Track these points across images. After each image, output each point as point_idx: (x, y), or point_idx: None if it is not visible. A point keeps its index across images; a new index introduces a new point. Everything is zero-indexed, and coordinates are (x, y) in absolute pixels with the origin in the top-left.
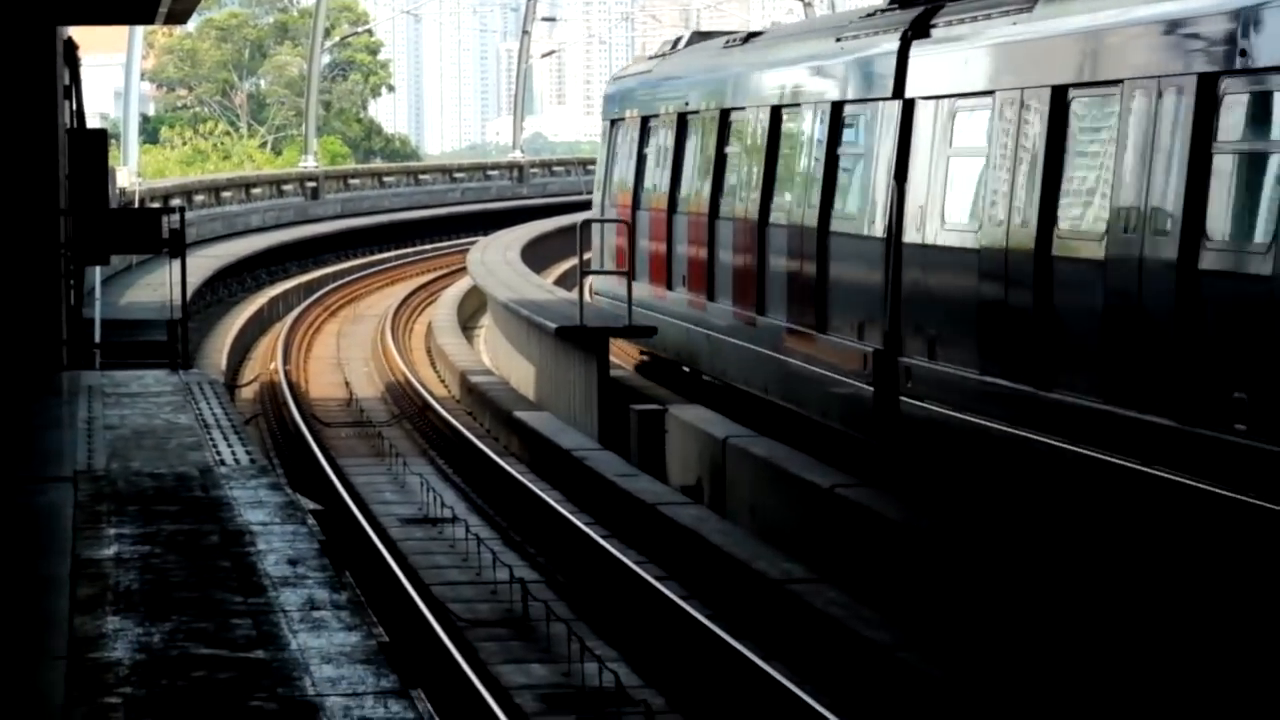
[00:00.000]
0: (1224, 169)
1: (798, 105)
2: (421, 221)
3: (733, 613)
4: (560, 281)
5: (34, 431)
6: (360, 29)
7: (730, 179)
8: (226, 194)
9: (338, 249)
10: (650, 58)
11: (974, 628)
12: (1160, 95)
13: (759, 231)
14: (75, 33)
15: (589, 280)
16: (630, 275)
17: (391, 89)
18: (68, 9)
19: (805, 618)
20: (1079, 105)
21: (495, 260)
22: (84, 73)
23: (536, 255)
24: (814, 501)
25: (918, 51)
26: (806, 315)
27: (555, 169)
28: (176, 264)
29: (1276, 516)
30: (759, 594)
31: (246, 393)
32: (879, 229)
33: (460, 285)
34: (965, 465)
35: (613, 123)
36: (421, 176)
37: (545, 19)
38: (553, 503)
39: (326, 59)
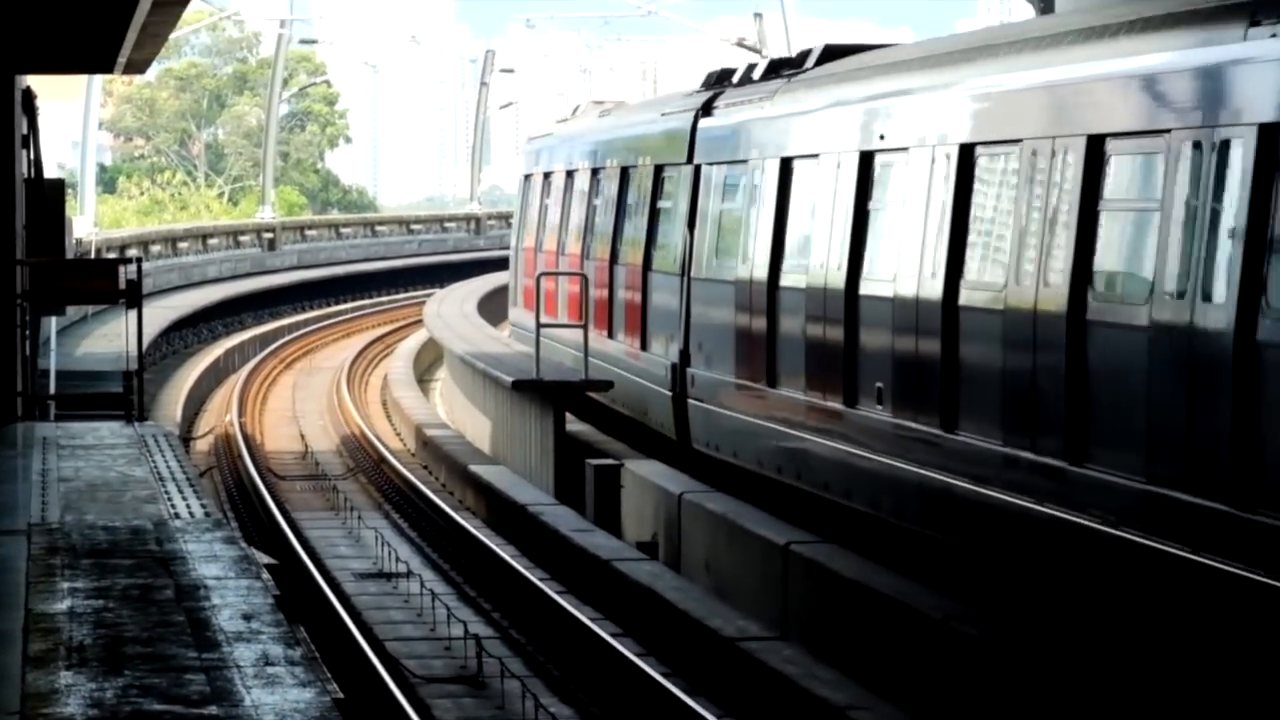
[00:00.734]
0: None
1: (636, 166)
2: (378, 273)
3: (688, 670)
4: None
5: None
6: (318, 79)
7: (598, 227)
8: (183, 244)
9: (294, 300)
10: (557, 122)
11: (930, 687)
12: (839, 165)
13: (610, 271)
14: (33, 81)
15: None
16: (586, 328)
17: (349, 140)
18: (26, 58)
19: (761, 675)
20: (802, 171)
21: (452, 313)
22: (42, 121)
23: (494, 308)
24: (769, 558)
25: (702, 126)
26: (634, 339)
27: (512, 221)
28: (133, 315)
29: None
30: (715, 651)
31: (202, 445)
32: (676, 268)
33: (417, 338)
34: (726, 439)
35: (526, 177)
36: (379, 228)
37: (503, 70)
38: (508, 558)
39: (285, 109)
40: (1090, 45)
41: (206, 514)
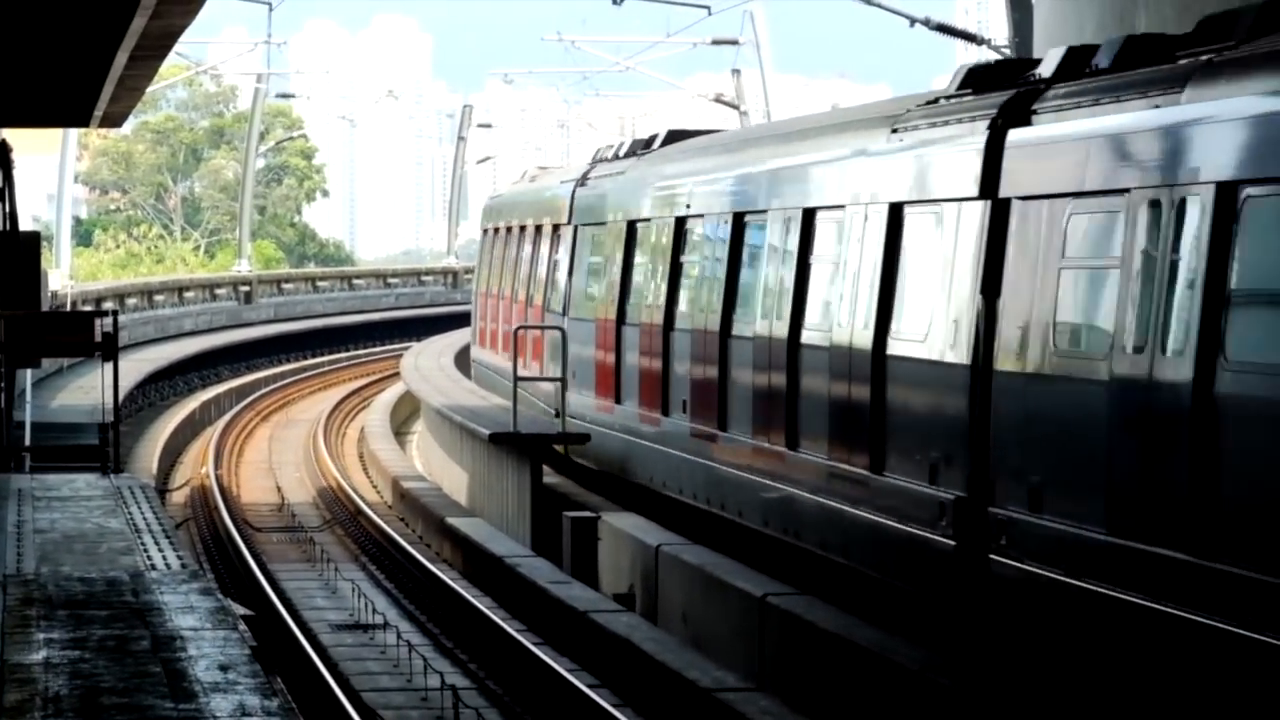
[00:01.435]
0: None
1: (541, 225)
2: (355, 327)
3: None
4: None
5: None
6: (295, 134)
7: (520, 275)
8: (159, 297)
9: (271, 353)
10: (512, 184)
11: None
12: (662, 227)
13: (524, 310)
14: (8, 134)
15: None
16: (564, 383)
17: (326, 194)
18: (1, 111)
19: None
20: (642, 231)
21: (429, 366)
22: (17, 174)
23: (470, 361)
24: (746, 609)
25: (579, 194)
26: (525, 360)
27: (473, 270)
28: (109, 367)
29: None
30: (691, 702)
31: (178, 497)
32: (559, 308)
33: (394, 390)
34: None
35: (484, 231)
36: (356, 281)
37: (481, 125)
38: (485, 609)
39: (261, 163)
40: (802, 141)
41: (183, 565)
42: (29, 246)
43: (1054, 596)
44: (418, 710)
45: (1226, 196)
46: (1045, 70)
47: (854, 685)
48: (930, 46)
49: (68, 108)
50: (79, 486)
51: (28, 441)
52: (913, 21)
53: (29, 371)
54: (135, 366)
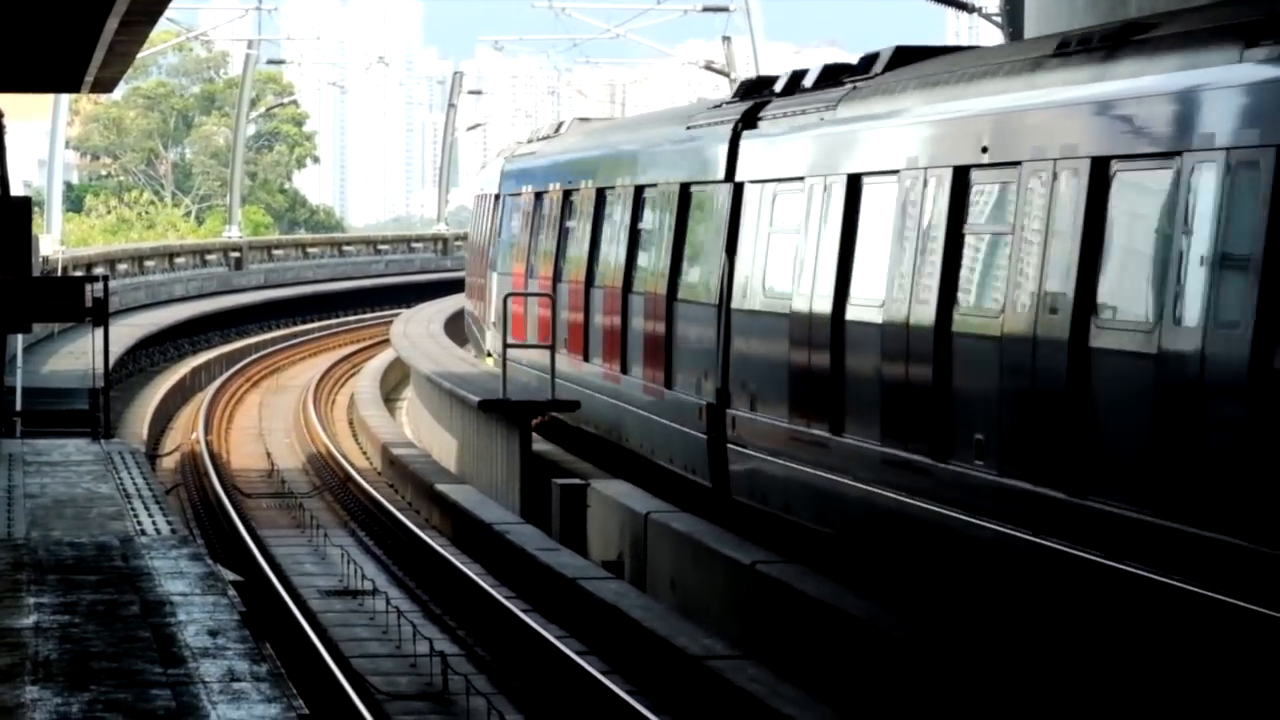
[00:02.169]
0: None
1: (486, 194)
2: (345, 293)
3: (653, 688)
4: None
5: None
6: (286, 100)
7: (489, 239)
8: (150, 263)
9: (261, 319)
10: (497, 155)
11: (894, 705)
12: (558, 197)
13: (484, 272)
14: None
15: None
16: (553, 349)
17: (317, 160)
18: None
19: (726, 694)
20: (545, 200)
21: (418, 333)
22: (8, 140)
23: (460, 328)
24: (735, 578)
25: (504, 168)
26: (480, 303)
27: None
28: (99, 333)
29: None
30: (680, 670)
31: (168, 462)
32: (492, 266)
33: (383, 357)
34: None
35: (477, 198)
36: (346, 248)
37: (471, 92)
38: (474, 576)
39: (252, 130)
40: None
41: (173, 531)
42: (20, 212)
43: (766, 468)
44: (406, 676)
45: (853, 185)
46: (777, 86)
47: (842, 653)
48: (920, 14)
49: (59, 73)
50: (69, 451)
51: (18, 406)
52: None
53: (20, 336)
54: (126, 332)
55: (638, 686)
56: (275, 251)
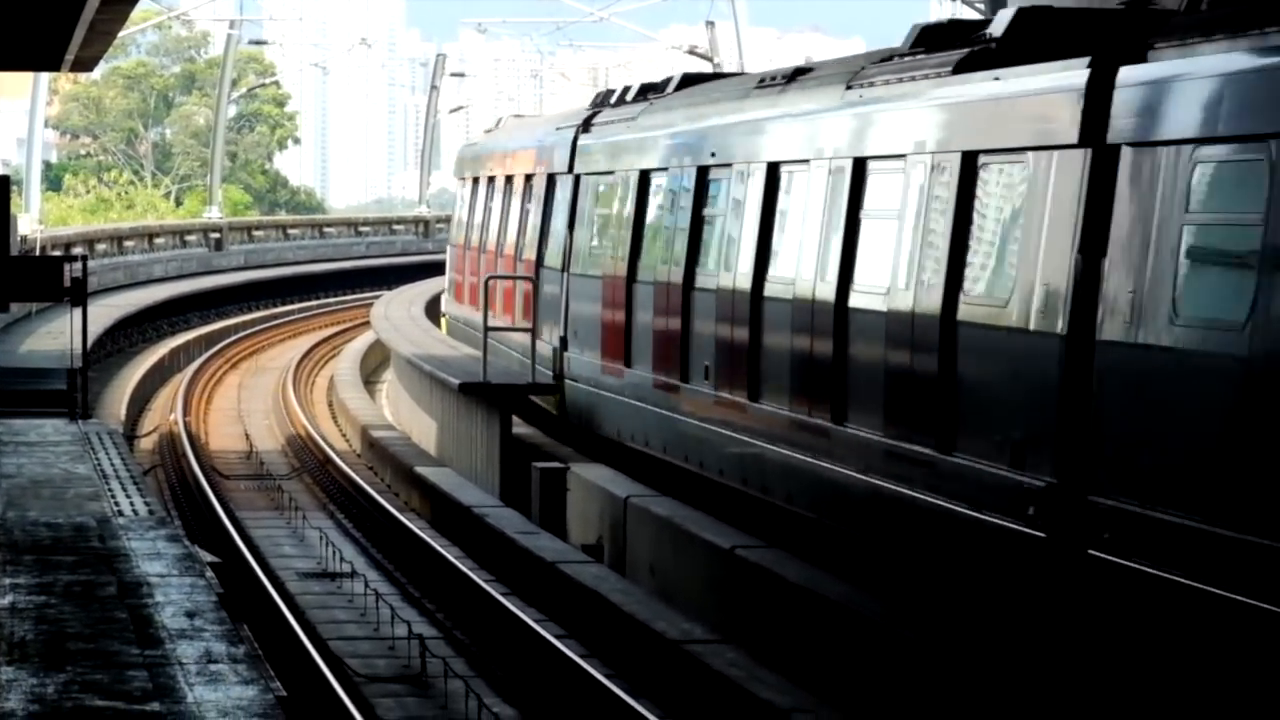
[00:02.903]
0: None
1: (464, 178)
2: (326, 275)
3: (632, 672)
4: None
5: None
6: (267, 80)
7: (463, 221)
8: (129, 243)
9: (241, 300)
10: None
11: (873, 690)
12: (502, 182)
13: (461, 252)
14: None
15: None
16: (534, 333)
17: (298, 141)
18: None
19: (704, 678)
20: (495, 185)
21: (399, 315)
22: None
23: (441, 311)
24: (714, 562)
25: (460, 154)
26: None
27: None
28: (77, 312)
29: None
30: (658, 654)
31: (146, 443)
32: (464, 243)
33: (364, 339)
34: None
35: (461, 179)
36: (327, 229)
37: (454, 75)
38: (452, 559)
39: (233, 110)
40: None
41: (150, 512)
42: None
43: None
44: (384, 659)
45: (643, 178)
46: (614, 99)
47: (820, 638)
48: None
49: (38, 51)
50: (47, 432)
51: None
52: None
53: None
54: (104, 312)
55: (616, 670)
56: (255, 232)
